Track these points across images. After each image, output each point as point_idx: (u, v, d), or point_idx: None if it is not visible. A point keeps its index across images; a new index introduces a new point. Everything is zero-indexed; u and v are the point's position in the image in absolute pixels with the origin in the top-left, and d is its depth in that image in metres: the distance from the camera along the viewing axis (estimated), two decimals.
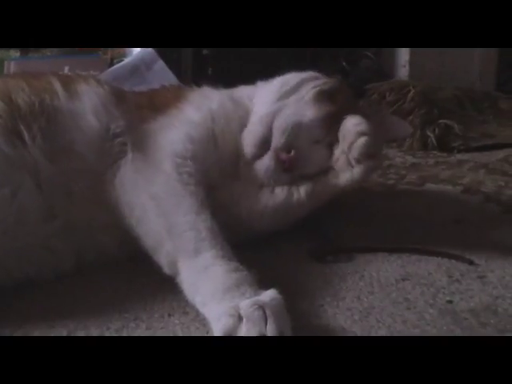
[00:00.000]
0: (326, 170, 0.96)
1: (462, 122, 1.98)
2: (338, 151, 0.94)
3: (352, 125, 0.92)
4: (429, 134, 1.88)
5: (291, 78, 1.06)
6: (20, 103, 0.88)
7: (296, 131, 0.96)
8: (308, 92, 1.01)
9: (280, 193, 0.95)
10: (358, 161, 0.91)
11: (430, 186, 1.45)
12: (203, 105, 1.00)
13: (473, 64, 2.49)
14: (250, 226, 0.95)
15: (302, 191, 0.95)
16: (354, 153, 0.91)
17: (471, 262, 0.93)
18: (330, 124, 0.97)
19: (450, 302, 0.81)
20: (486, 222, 1.16)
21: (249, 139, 0.97)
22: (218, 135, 0.97)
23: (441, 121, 1.93)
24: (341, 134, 0.94)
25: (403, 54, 2.42)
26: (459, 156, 1.79)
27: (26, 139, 0.85)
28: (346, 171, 0.93)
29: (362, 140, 0.90)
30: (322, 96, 1.01)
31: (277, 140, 0.95)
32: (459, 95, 2.17)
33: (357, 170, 0.92)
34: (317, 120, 0.98)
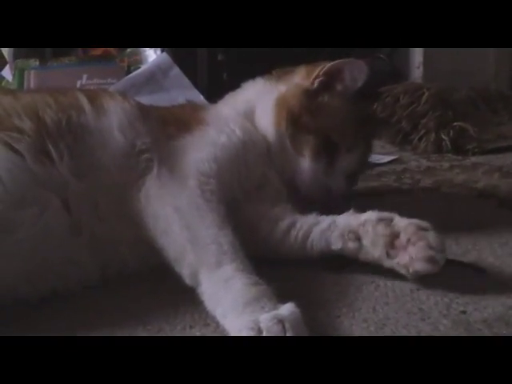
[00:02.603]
0: None
1: (476, 123, 1.98)
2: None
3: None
4: (443, 136, 1.90)
5: None
6: (47, 121, 0.91)
7: None
8: None
9: (294, 241, 0.97)
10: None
11: (444, 190, 1.46)
12: (225, 127, 1.04)
13: (487, 64, 2.49)
14: (266, 250, 0.97)
15: (314, 247, 0.97)
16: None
17: (485, 271, 0.95)
18: None
19: (464, 312, 0.82)
20: (500, 227, 1.17)
21: None
22: (248, 159, 1.03)
23: (455, 123, 1.94)
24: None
25: (417, 56, 2.43)
26: (474, 159, 1.80)
27: (53, 157, 0.88)
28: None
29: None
30: None
31: None
32: (474, 96, 2.18)
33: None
34: None
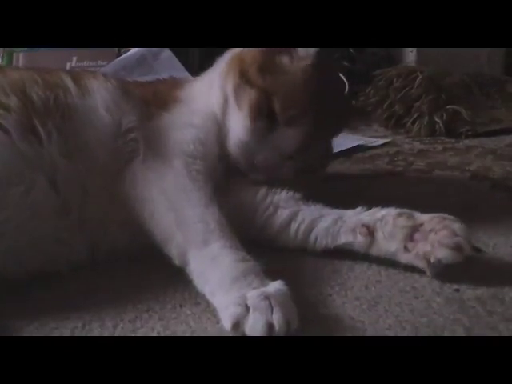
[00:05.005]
0: None
1: (469, 107, 1.97)
2: None
3: None
4: (436, 119, 1.89)
5: None
6: (34, 98, 0.89)
7: None
8: None
9: (294, 234, 0.94)
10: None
11: (437, 172, 1.46)
12: (198, 106, 1.01)
13: (480, 48, 2.47)
14: (261, 237, 0.95)
15: (317, 243, 0.93)
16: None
17: (478, 250, 0.94)
18: None
19: (457, 290, 0.82)
20: (493, 208, 1.17)
21: None
22: (217, 134, 0.99)
23: (448, 106, 1.92)
24: None
25: None
26: (467, 142, 1.79)
27: (42, 136, 0.87)
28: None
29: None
30: None
31: None
32: (467, 80, 2.16)
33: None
34: None
